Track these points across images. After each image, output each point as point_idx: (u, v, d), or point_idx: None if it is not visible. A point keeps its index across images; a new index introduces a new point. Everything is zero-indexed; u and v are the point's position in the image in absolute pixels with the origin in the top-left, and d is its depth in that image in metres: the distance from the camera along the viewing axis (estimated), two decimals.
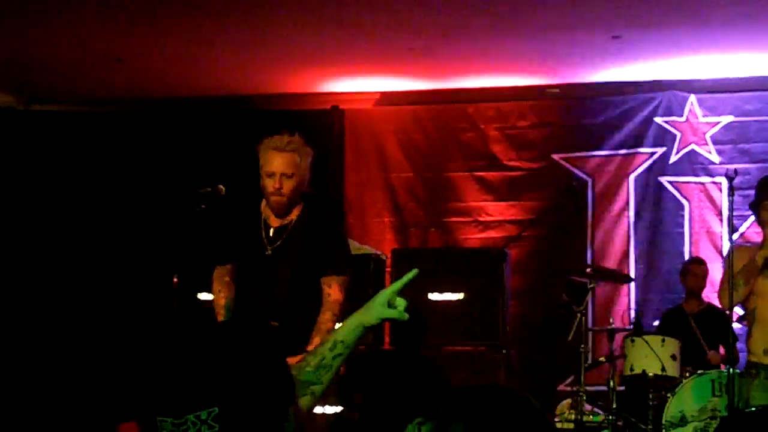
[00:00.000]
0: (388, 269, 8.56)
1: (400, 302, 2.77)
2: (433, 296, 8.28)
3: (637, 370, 7.31)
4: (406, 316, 2.78)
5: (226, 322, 5.04)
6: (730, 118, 9.10)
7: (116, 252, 9.49)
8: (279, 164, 5.36)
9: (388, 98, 9.79)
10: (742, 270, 6.14)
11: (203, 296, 6.85)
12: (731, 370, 6.02)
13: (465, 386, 2.51)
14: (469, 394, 2.47)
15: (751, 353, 6.23)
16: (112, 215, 9.64)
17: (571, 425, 7.84)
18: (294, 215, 5.48)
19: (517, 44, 8.66)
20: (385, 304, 2.78)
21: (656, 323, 8.51)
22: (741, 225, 8.65)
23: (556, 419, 8.31)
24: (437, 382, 2.93)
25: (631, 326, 7.86)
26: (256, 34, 8.40)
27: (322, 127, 9.69)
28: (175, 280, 5.88)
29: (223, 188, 5.70)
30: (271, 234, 5.46)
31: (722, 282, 6.34)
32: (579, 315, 7.84)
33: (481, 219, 9.51)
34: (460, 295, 8.35)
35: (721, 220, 9.02)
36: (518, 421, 2.40)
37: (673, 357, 7.30)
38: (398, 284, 2.80)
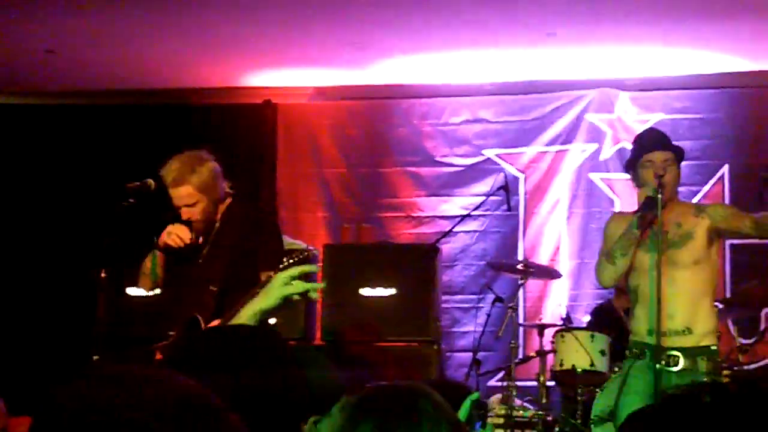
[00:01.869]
0: (320, 264, 8.54)
1: (298, 284, 2.80)
2: (365, 291, 8.28)
3: (567, 366, 7.35)
4: (307, 287, 2.80)
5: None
6: (660, 116, 9.19)
7: (43, 246, 9.38)
8: (177, 198, 5.33)
9: (322, 93, 9.77)
10: (618, 240, 5.56)
11: (132, 291, 6.78)
12: (656, 365, 5.73)
13: (375, 384, 2.50)
14: (380, 393, 2.46)
15: (635, 333, 5.63)
16: (40, 209, 9.53)
17: (501, 420, 7.88)
18: (218, 213, 5.47)
19: (452, 40, 8.68)
20: (286, 286, 2.80)
21: (586, 319, 8.57)
22: None
23: (487, 414, 8.36)
24: (334, 378, 2.91)
25: (562, 322, 7.91)
26: (188, 26, 8.35)
27: (255, 121, 9.67)
28: (103, 275, 5.82)
29: (153, 183, 5.65)
30: (196, 238, 5.45)
31: (600, 256, 5.74)
32: (509, 310, 7.89)
33: (414, 214, 9.53)
34: (392, 291, 8.36)
35: None
36: (426, 418, 2.39)
37: (602, 352, 7.35)
38: (296, 270, 2.84)
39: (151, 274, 5.58)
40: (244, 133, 9.66)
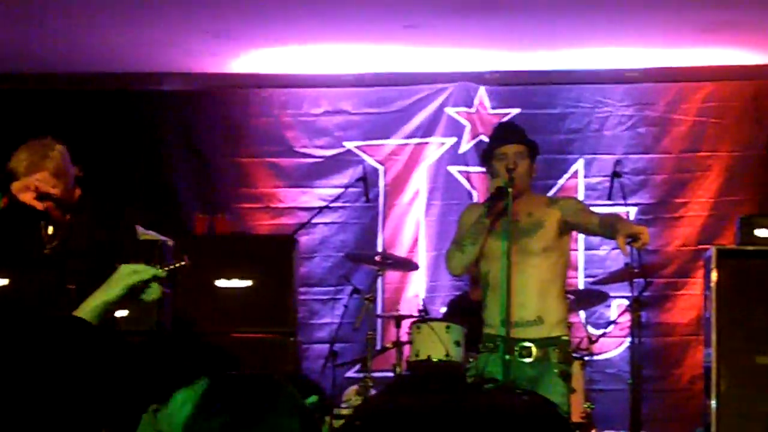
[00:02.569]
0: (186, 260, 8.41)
1: (144, 271, 2.76)
2: (221, 283, 8.20)
3: (423, 356, 7.38)
4: (160, 272, 2.77)
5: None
6: (517, 111, 9.30)
7: None
8: (32, 187, 5.18)
9: (180, 81, 9.63)
10: (469, 229, 5.61)
11: None
12: (506, 356, 5.71)
13: (229, 375, 2.47)
14: (233, 384, 2.43)
15: (488, 325, 5.63)
16: None
17: None
18: (74, 199, 5.34)
19: (312, 32, 8.65)
20: (130, 275, 2.75)
21: (443, 310, 8.63)
22: None
23: (343, 405, 8.36)
24: (175, 367, 2.87)
25: (419, 313, 7.94)
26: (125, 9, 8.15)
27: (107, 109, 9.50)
28: None
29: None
30: (50, 231, 5.30)
31: (451, 244, 5.75)
32: (367, 302, 7.90)
33: (273, 205, 9.47)
34: (248, 282, 8.30)
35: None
36: (280, 410, 2.37)
37: (458, 343, 7.38)
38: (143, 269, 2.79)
39: None
40: (97, 122, 9.46)
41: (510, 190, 5.42)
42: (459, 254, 5.58)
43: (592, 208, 8.98)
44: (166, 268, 4.05)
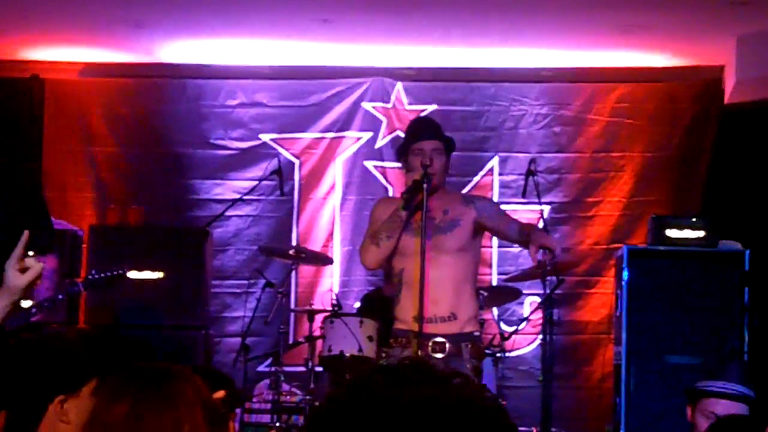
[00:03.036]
0: (85, 246, 8.31)
1: (34, 267, 2.73)
2: (132, 274, 8.09)
3: (335, 351, 7.37)
4: (41, 267, 2.75)
5: None
6: (434, 107, 9.32)
7: None
8: None
9: (93, 69, 9.48)
10: (384, 222, 5.56)
11: None
12: (418, 351, 5.71)
13: (132, 366, 2.46)
14: (135, 374, 2.43)
15: (400, 321, 5.61)
16: None
17: (269, 405, 7.85)
18: None
19: (228, 24, 8.58)
20: (19, 274, 2.72)
21: (357, 305, 8.62)
22: None
23: (254, 400, 8.32)
24: (81, 359, 2.84)
25: (332, 307, 7.92)
26: None
27: (20, 96, 9.31)
28: None
29: None
30: None
31: (365, 237, 5.71)
32: (280, 296, 7.86)
33: (187, 197, 9.37)
34: (160, 274, 8.21)
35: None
36: (181, 401, 2.37)
37: (370, 338, 7.38)
38: (17, 250, 2.77)
39: None
40: (8, 109, 9.29)
41: (425, 185, 5.40)
42: (374, 248, 5.55)
43: (505, 206, 9.16)
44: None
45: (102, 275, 4.63)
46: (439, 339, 5.50)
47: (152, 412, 2.35)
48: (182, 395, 2.39)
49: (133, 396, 2.37)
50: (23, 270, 2.82)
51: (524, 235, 5.56)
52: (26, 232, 2.72)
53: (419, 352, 5.36)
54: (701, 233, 8.16)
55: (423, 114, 9.15)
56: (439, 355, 5.48)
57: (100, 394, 2.44)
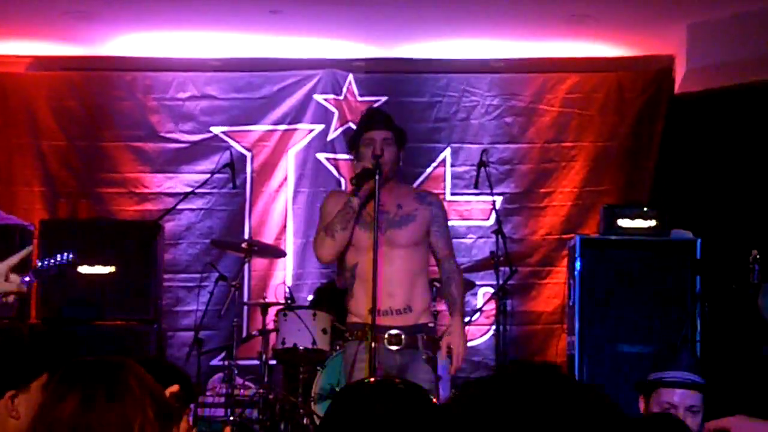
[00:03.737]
0: (36, 240, 8.22)
1: (14, 278, 2.70)
2: (83, 269, 8.03)
3: (289, 344, 7.36)
4: (24, 288, 2.71)
5: None
6: (386, 98, 9.31)
7: None
8: None
9: (42, 63, 9.38)
10: (338, 214, 5.48)
11: None
12: (372, 343, 5.63)
13: (79, 359, 2.45)
14: (84, 367, 2.42)
15: (354, 314, 5.53)
16: None
17: (223, 399, 7.82)
18: None
19: (177, 17, 8.51)
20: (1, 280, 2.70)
21: (310, 298, 8.61)
22: None
23: (208, 394, 8.29)
24: (30, 354, 2.83)
25: (285, 300, 7.89)
26: None
27: None
28: None
29: None
30: None
31: (318, 231, 5.64)
32: (233, 289, 7.82)
33: (137, 191, 9.30)
34: (111, 268, 8.15)
35: None
36: (130, 393, 2.36)
37: (324, 331, 7.38)
38: (14, 259, 2.72)
39: None
40: None
41: (377, 174, 5.37)
42: (330, 240, 5.50)
43: (457, 197, 9.17)
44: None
45: (52, 262, 4.56)
46: (394, 331, 5.48)
47: (100, 407, 2.34)
48: (131, 390, 2.38)
49: (82, 391, 2.36)
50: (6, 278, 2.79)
51: (445, 288, 5.58)
52: (30, 247, 2.71)
53: (373, 345, 5.33)
54: (653, 222, 8.21)
55: (375, 106, 9.13)
56: (395, 347, 5.46)
57: (49, 389, 2.42)
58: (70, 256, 4.62)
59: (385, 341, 5.41)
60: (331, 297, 7.95)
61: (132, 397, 2.37)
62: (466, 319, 8.38)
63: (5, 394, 2.80)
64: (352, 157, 5.84)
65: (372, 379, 4.20)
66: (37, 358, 2.83)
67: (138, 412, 2.35)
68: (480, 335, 9.05)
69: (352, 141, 5.73)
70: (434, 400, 2.25)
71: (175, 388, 2.93)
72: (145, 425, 2.35)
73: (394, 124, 5.77)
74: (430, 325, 5.64)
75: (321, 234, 5.55)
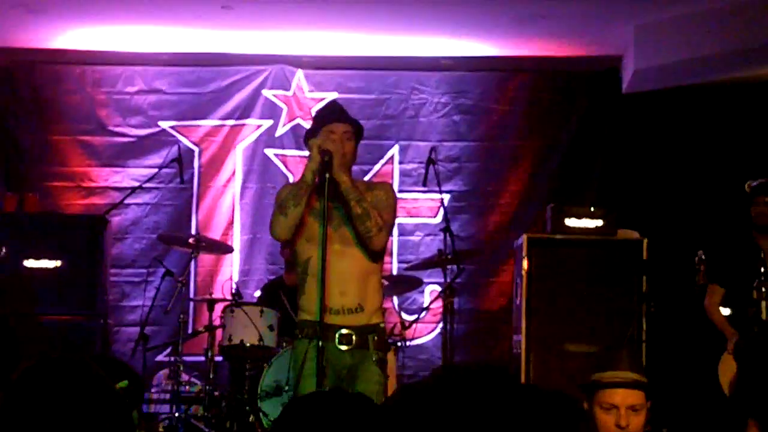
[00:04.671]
0: None
1: None
2: (29, 263, 7.97)
3: (236, 341, 7.33)
4: None
5: None
6: (334, 95, 9.30)
7: None
8: None
9: None
10: (291, 190, 5.33)
11: None
12: (320, 342, 5.59)
13: (34, 361, 2.44)
14: (39, 369, 2.41)
15: (305, 311, 5.39)
16: None
17: (168, 395, 7.78)
18: None
19: (129, 9, 8.45)
20: None
21: (257, 294, 8.58)
22: None
23: (153, 390, 8.24)
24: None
25: (232, 297, 7.86)
26: None
27: None
28: None
29: None
30: None
31: (272, 213, 5.46)
32: (179, 284, 7.78)
33: (85, 185, 9.25)
34: (57, 263, 8.09)
35: None
36: (84, 391, 2.36)
37: (271, 327, 7.37)
38: None
39: None
40: None
41: (327, 173, 5.28)
42: (282, 218, 5.36)
43: (405, 195, 9.17)
44: None
45: None
46: (345, 331, 5.43)
47: (57, 406, 2.33)
48: (83, 385, 2.38)
49: (39, 391, 2.35)
50: None
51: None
52: (4, 248, 2.68)
53: (320, 344, 5.27)
54: (599, 222, 8.27)
55: (323, 102, 9.11)
56: (345, 347, 5.41)
57: (5, 392, 2.41)
58: (3, 250, 4.56)
59: (336, 341, 5.36)
60: (279, 294, 7.94)
61: (87, 395, 2.36)
62: (413, 317, 8.42)
63: None
64: (306, 153, 5.70)
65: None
66: None
67: (93, 409, 2.34)
68: (427, 333, 9.08)
69: (310, 134, 5.63)
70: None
71: (123, 383, 2.92)
72: (98, 421, 2.34)
73: (353, 118, 5.72)
74: (381, 325, 5.60)
75: (275, 212, 5.44)
